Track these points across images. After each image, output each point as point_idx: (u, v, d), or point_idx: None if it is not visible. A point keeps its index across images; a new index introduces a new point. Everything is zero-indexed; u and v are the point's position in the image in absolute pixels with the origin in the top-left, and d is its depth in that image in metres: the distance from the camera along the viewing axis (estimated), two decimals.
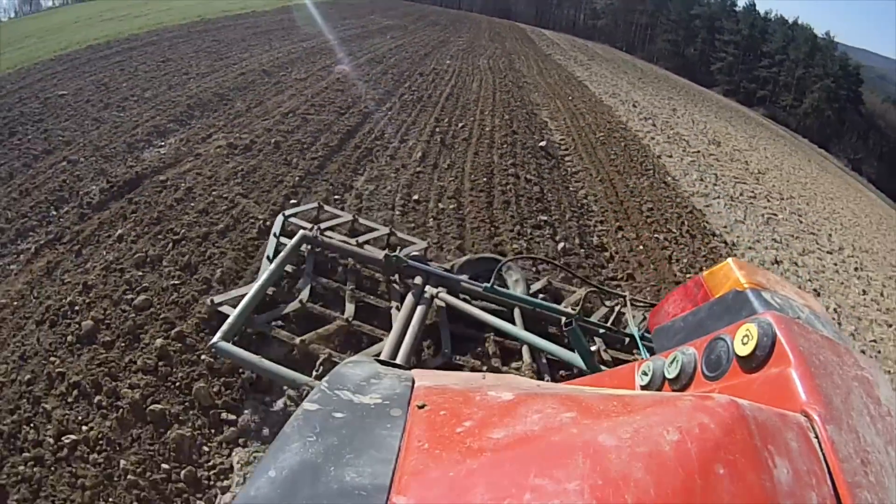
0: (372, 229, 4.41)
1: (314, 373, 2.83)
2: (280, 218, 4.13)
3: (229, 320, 2.92)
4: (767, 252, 8.39)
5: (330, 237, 3.87)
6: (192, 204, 4.75)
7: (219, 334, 2.83)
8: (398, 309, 3.44)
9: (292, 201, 4.93)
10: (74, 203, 4.78)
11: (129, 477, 2.52)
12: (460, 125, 8.73)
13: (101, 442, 2.65)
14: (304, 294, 3.45)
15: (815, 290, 7.97)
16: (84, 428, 2.71)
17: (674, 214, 7.58)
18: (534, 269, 4.76)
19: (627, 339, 3.57)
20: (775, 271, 7.73)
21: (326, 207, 4.55)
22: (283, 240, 3.85)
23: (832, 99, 49.04)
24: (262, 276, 3.32)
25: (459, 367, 3.25)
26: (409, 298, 3.45)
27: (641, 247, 6.18)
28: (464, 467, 0.61)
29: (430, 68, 13.02)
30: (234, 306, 3.10)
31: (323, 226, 4.06)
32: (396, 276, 3.80)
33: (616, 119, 13.05)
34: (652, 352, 1.41)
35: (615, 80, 21.65)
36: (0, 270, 3.90)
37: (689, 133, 15.40)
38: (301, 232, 3.74)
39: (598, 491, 0.56)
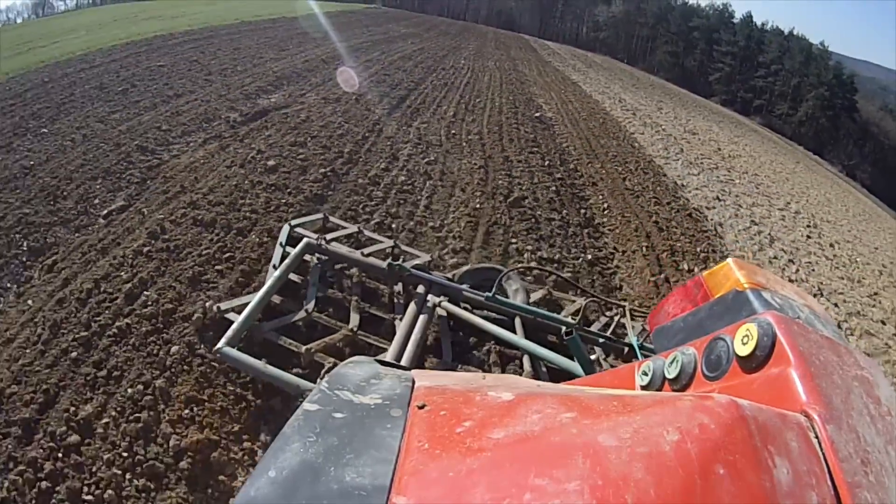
0: (376, 241, 4.64)
1: (318, 381, 2.91)
2: (286, 228, 4.34)
3: (234, 326, 3.08)
4: (713, 193, 11.42)
5: (334, 246, 4.06)
6: (313, 123, 8.01)
7: (223, 340, 2.99)
8: (401, 320, 3.59)
9: (299, 219, 4.89)
10: (221, 121, 7.77)
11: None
12: (477, 100, 12.16)
13: (294, 205, 5.43)
14: (311, 304, 3.61)
15: (753, 221, 10.53)
16: (282, 201, 5.48)
17: (633, 160, 10.84)
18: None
19: (626, 349, 3.73)
20: (715, 205, 10.77)
21: (332, 219, 4.83)
22: (288, 249, 4.02)
23: (826, 107, 52.66)
24: (267, 284, 3.52)
25: None
26: (412, 307, 3.61)
27: (604, 171, 9.44)
28: (464, 467, 0.64)
29: (450, 65, 16.61)
30: (240, 313, 3.29)
31: (328, 236, 4.17)
32: (400, 288, 4.03)
33: (600, 108, 16.43)
34: None
35: (608, 84, 25.04)
36: (177, 150, 6.69)
37: (667, 123, 18.64)
38: (305, 239, 3.94)
39: (598, 491, 0.58)
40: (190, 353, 3.40)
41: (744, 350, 0.91)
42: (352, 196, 5.91)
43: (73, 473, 2.69)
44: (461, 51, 22.02)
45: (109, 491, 2.64)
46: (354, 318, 3.63)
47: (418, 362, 3.41)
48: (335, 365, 2.98)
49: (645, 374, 1.09)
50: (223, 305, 3.53)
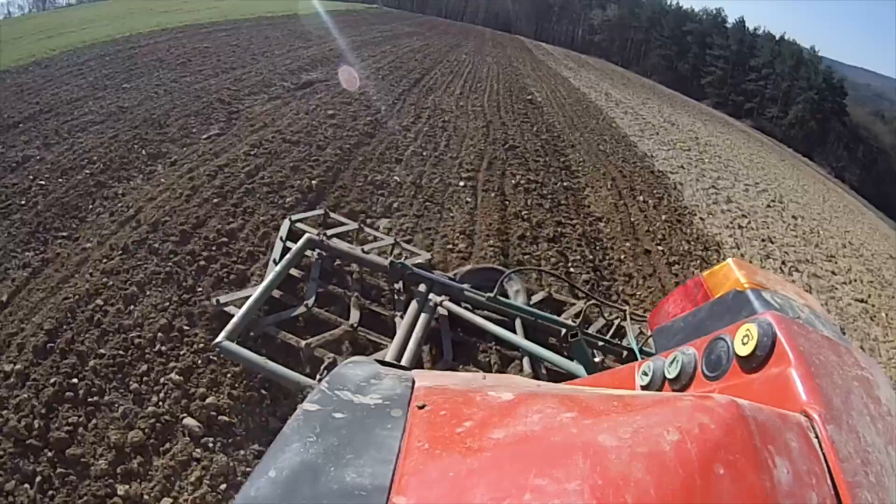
0: (377, 238, 4.82)
1: (318, 376, 3.01)
2: (286, 223, 4.52)
3: (233, 320, 3.22)
4: (678, 163, 13.67)
5: (335, 243, 4.19)
6: (353, 91, 10.60)
7: (223, 334, 3.11)
8: (402, 318, 3.72)
9: (300, 214, 5.01)
10: (277, 87, 10.14)
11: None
12: (479, 85, 14.86)
13: (354, 136, 7.83)
14: (311, 299, 3.73)
15: (713, 186, 12.52)
16: (344, 134, 7.94)
17: (608, 135, 13.47)
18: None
19: (625, 353, 3.86)
20: (678, 171, 13.08)
21: (332, 215, 5.06)
22: (289, 244, 4.15)
23: (816, 110, 55.96)
24: (267, 279, 3.64)
25: None
26: (413, 305, 3.75)
27: (582, 139, 12.06)
28: (464, 467, 0.67)
29: (453, 59, 19.37)
30: (240, 307, 3.41)
31: (329, 232, 4.32)
32: (400, 286, 4.17)
33: (587, 98, 19.13)
34: None
35: (598, 82, 27.74)
36: (249, 103, 9.05)
37: (649, 115, 21.19)
38: (306, 235, 4.06)
39: (598, 491, 0.60)
40: (300, 201, 5.68)
41: (744, 350, 0.95)
42: (391, 136, 8.47)
43: (223, 258, 4.47)
44: (462, 48, 24.80)
45: (256, 253, 4.62)
46: (355, 315, 3.79)
47: (418, 361, 3.52)
48: (334, 361, 3.05)
49: (645, 374, 1.14)
50: (223, 299, 3.70)
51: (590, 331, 4.08)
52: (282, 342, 3.45)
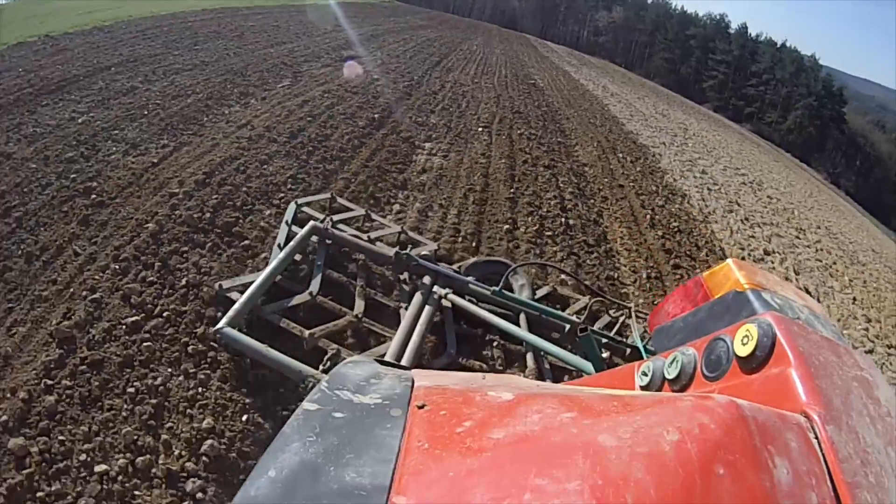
0: (383, 226, 4.97)
1: (321, 367, 3.10)
2: (292, 206, 4.67)
3: (235, 307, 3.28)
4: (661, 141, 16.38)
5: (342, 230, 4.31)
6: (389, 65, 13.28)
7: (224, 320, 3.17)
8: (406, 309, 3.81)
9: (306, 198, 5.20)
10: (325, 58, 12.74)
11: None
12: (489, 69, 17.72)
13: (398, 91, 10.46)
14: (315, 286, 3.81)
15: (690, 161, 15.01)
16: (389, 91, 10.55)
17: (600, 115, 16.22)
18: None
19: (629, 350, 3.97)
20: (660, 146, 15.68)
21: (339, 200, 5.27)
22: (294, 228, 4.28)
23: (815, 117, 58.91)
24: (271, 264, 3.74)
25: (464, 368, 3.74)
26: (417, 298, 3.86)
27: (576, 115, 14.81)
28: (464, 467, 0.68)
29: (465, 48, 22.26)
30: (243, 293, 3.49)
31: (335, 218, 4.48)
32: (405, 276, 4.27)
33: (584, 88, 21.94)
34: None
35: (598, 78, 30.36)
36: (307, 67, 11.55)
37: (642, 106, 23.85)
38: (311, 222, 4.19)
39: (598, 491, 0.62)
40: (368, 125, 8.32)
41: (744, 350, 0.97)
42: (423, 97, 11.20)
43: (323, 148, 7.01)
44: (472, 40, 27.68)
45: (346, 149, 7.34)
46: (359, 305, 3.84)
47: (421, 354, 3.60)
48: (338, 352, 3.32)
49: (645, 374, 1.16)
50: (225, 284, 3.76)
51: (594, 327, 4.22)
52: (285, 330, 3.48)
